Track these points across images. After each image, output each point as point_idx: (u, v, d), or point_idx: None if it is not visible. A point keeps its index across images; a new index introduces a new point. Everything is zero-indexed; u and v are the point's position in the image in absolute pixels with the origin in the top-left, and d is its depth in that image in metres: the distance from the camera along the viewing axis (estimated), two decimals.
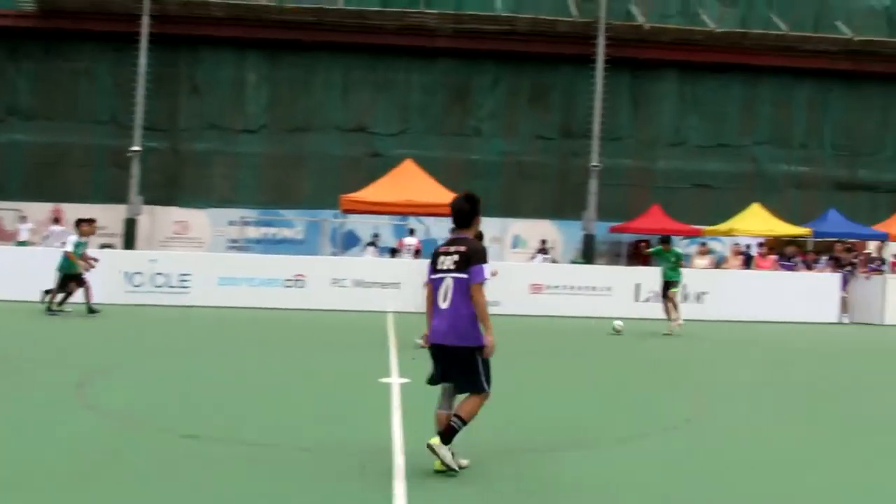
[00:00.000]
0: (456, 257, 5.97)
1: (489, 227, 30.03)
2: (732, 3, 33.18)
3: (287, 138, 30.78)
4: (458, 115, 32.16)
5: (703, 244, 23.18)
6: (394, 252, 25.38)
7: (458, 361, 6.00)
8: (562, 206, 31.92)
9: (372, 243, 26.95)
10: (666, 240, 17.16)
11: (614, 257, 31.32)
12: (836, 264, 21.01)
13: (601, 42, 29.30)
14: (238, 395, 8.92)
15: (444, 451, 5.87)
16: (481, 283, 5.92)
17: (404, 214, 24.86)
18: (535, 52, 31.83)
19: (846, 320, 19.87)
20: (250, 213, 29.59)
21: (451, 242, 6.17)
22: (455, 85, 32.07)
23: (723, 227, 28.12)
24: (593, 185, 28.90)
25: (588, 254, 28.82)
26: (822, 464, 6.80)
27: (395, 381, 9.64)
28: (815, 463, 6.83)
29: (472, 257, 5.93)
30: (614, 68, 30.51)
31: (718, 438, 7.53)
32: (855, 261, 21.52)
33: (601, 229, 30.04)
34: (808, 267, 21.78)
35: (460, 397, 6.19)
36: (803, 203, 32.51)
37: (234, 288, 18.15)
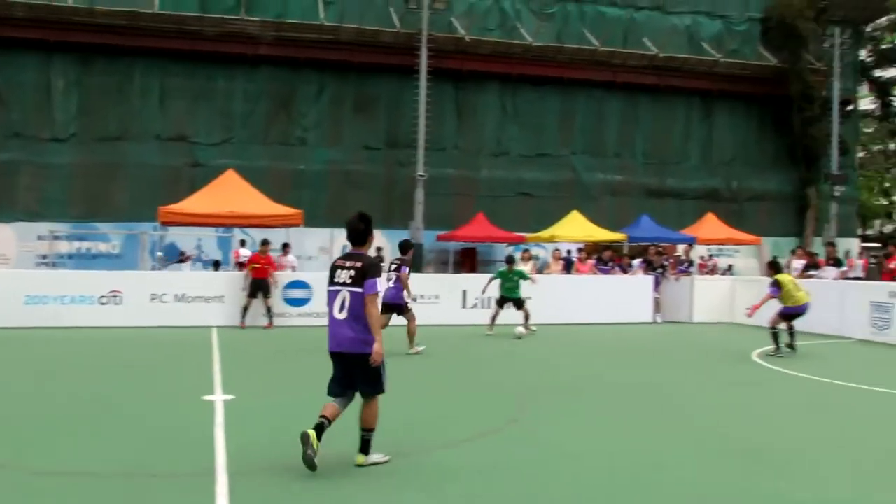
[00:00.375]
0: (352, 272, 6.53)
1: (317, 237, 29.83)
2: (548, 19, 34.40)
3: (100, 147, 29.18)
4: (282, 124, 31.65)
5: (526, 250, 23.79)
6: (217, 265, 24.63)
7: (362, 367, 6.46)
8: (389, 216, 31.96)
9: (181, 260, 26.00)
10: (510, 260, 17.62)
11: (442, 265, 31.71)
12: (649, 267, 22.07)
13: (424, 53, 29.65)
14: (48, 421, 8.30)
15: (366, 458, 6.54)
16: (374, 294, 6.48)
17: (228, 226, 24.14)
18: (360, 62, 31.82)
19: (659, 319, 20.90)
20: (61, 227, 27.83)
21: (347, 257, 6.74)
22: (279, 93, 31.54)
23: (545, 233, 29.00)
24: (419, 194, 29.14)
25: (416, 262, 28.99)
26: (634, 455, 7.06)
27: (219, 398, 9.29)
28: (629, 454, 7.07)
29: (368, 272, 6.51)
30: (438, 79, 30.94)
31: (540, 436, 7.69)
32: (666, 263, 22.66)
33: (429, 238, 30.33)
34: (624, 270, 22.76)
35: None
36: (618, 210, 34.10)
37: (43, 307, 16.97)
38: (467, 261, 31.96)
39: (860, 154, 53.81)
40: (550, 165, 34.40)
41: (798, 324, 14.68)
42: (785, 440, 7.81)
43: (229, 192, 21.81)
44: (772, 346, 14.40)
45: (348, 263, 6.66)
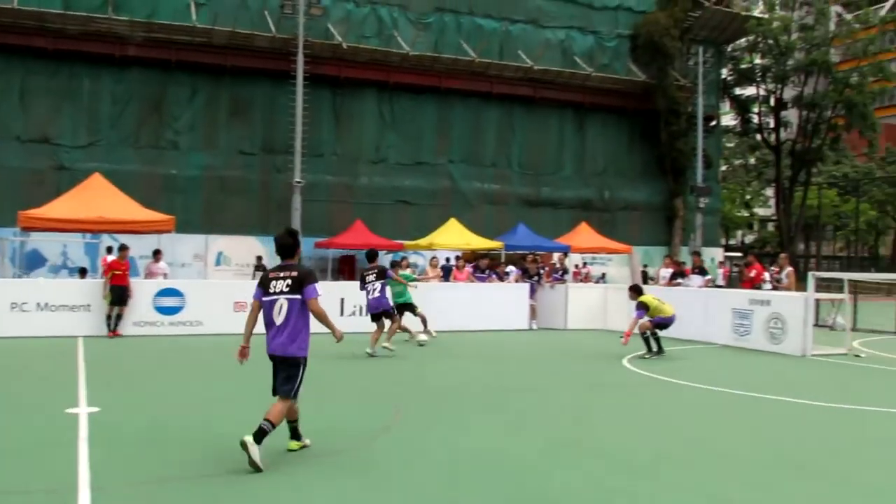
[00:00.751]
0: (289, 281, 6.96)
1: (191, 243, 29.04)
2: (426, 28, 34.63)
3: None
4: (153, 127, 30.70)
5: (405, 258, 23.76)
6: (83, 272, 23.56)
7: (288, 368, 6.98)
8: (266, 222, 31.44)
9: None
10: (392, 265, 17.54)
11: (320, 273, 31.35)
12: (525, 275, 22.38)
13: (300, 59, 29.29)
14: None
15: (255, 450, 6.47)
16: (316, 298, 7.00)
17: (95, 232, 23.17)
18: (234, 66, 31.24)
19: (535, 326, 21.21)
20: None
21: (280, 269, 7.12)
22: (149, 95, 30.57)
23: (423, 241, 29.09)
24: (297, 200, 28.76)
25: None
26: (502, 457, 7.11)
27: (84, 410, 8.85)
28: (497, 456, 7.12)
29: (304, 280, 6.99)
30: (315, 85, 30.66)
31: (413, 442, 7.67)
32: (541, 271, 23.05)
33: (307, 245, 29.91)
34: (500, 278, 23.02)
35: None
36: (495, 218, 34.59)
37: None
38: (346, 268, 31.72)
39: (723, 168, 56.50)
40: (428, 174, 34.59)
41: (666, 330, 15.21)
42: (646, 441, 8.03)
43: (96, 197, 20.95)
44: (644, 350, 14.87)
45: (283, 274, 7.05)
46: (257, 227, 31.51)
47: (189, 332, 17.22)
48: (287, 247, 7.26)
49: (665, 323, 15.02)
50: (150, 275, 19.90)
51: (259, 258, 28.44)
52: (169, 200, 28.60)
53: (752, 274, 20.52)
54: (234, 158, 31.70)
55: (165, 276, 19.74)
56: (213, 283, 22.50)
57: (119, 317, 17.26)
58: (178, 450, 7.35)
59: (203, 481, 6.32)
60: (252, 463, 6.45)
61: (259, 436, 6.54)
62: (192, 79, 31.21)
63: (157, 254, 20.47)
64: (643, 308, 14.79)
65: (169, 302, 17.57)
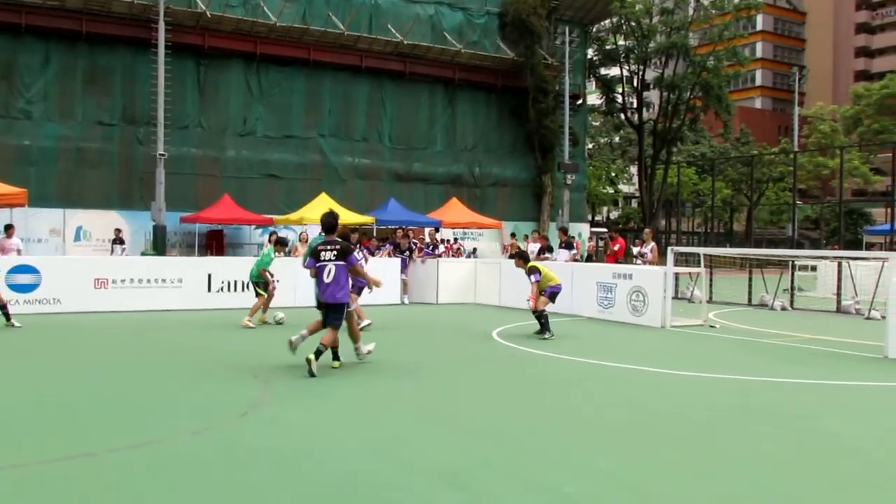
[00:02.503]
0: (335, 252, 10.00)
1: (47, 218, 27.68)
2: None
3: None
4: (2, 95, 28.97)
5: (274, 233, 23.37)
6: None
7: (335, 310, 10.08)
8: (129, 196, 30.33)
9: None
10: (275, 239, 16.80)
11: (188, 248, 30.50)
12: (396, 250, 22.40)
13: (161, 27, 28.18)
14: None
15: (315, 365, 9.66)
16: (357, 263, 10.39)
17: None
18: (90, 33, 29.82)
19: (406, 301, 21.29)
20: None
21: (326, 243, 10.15)
22: None
23: (294, 216, 28.69)
24: (161, 174, 27.77)
25: (159, 245, 27.67)
26: (375, 433, 7.12)
27: None
28: (369, 432, 7.13)
29: (346, 252, 10.05)
30: (178, 55, 29.66)
31: (284, 419, 7.60)
32: (413, 246, 23.11)
33: (172, 219, 29.03)
34: (372, 253, 22.96)
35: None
36: (366, 193, 34.47)
37: None
38: (213, 243, 30.94)
39: (589, 145, 58.05)
40: (298, 147, 34.10)
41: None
42: (514, 412, 8.19)
43: None
44: (539, 329, 14.34)
45: (329, 247, 10.05)
46: (119, 201, 30.35)
47: (46, 311, 16.44)
48: (331, 225, 10.25)
49: (556, 291, 14.89)
50: (1, 250, 18.84)
51: (118, 231, 27.35)
52: (21, 172, 27.18)
53: (616, 248, 21.22)
54: (92, 129, 30.33)
55: (19, 252, 18.73)
56: (71, 259, 21.49)
57: None
58: (41, 431, 7.02)
59: (66, 463, 6.04)
60: (311, 372, 9.58)
61: (317, 354, 9.74)
62: (44, 45, 29.61)
63: (8, 228, 19.40)
64: (537, 272, 14.44)
65: (23, 279, 16.69)
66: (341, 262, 9.94)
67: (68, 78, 30.11)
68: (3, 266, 16.67)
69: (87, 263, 19.09)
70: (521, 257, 15.32)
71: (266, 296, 15.84)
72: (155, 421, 7.49)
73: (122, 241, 26.98)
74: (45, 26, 29.24)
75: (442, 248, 27.55)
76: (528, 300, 14.96)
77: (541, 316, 14.30)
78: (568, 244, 22.01)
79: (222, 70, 32.80)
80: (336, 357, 10.44)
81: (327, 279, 9.94)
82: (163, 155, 27.91)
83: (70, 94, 30.15)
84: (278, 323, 15.74)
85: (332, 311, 10.05)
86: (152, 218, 27.95)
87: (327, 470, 5.96)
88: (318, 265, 10.03)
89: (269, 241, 20.31)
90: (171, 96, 28.90)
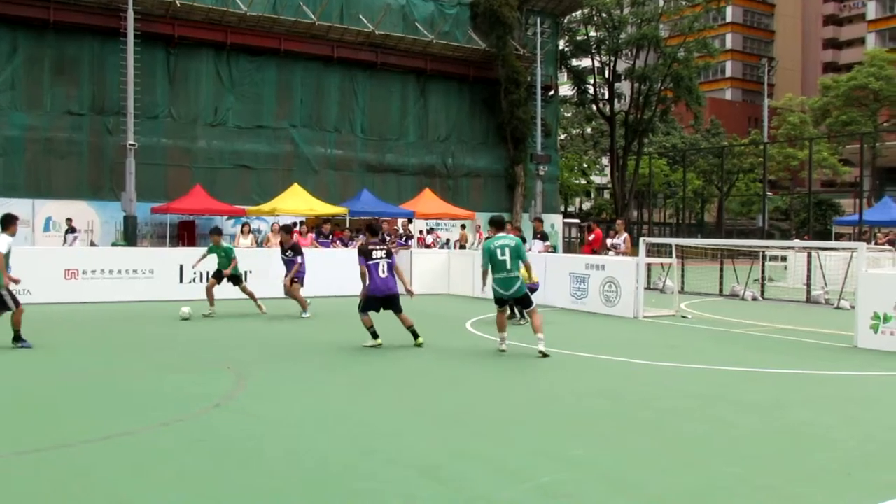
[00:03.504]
0: (385, 251, 11.72)
1: (15, 208, 27.27)
2: None
3: None
4: None
5: (247, 223, 23.26)
6: None
7: (392, 300, 11.68)
8: (98, 187, 30.02)
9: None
10: (214, 231, 16.67)
11: (159, 239, 30.25)
12: None
13: (130, 15, 27.83)
14: None
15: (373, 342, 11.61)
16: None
17: None
18: (57, 21, 29.42)
19: None
20: None
21: (374, 243, 11.78)
22: None
23: (266, 206, 28.54)
24: (131, 164, 27.46)
25: (130, 236, 27.40)
26: (355, 423, 7.13)
27: None
28: (348, 423, 7.13)
29: (391, 251, 11.93)
30: (147, 44, 29.33)
31: (258, 409, 7.58)
32: (386, 237, 23.06)
33: (143, 210, 28.77)
34: (345, 244, 22.92)
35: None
36: (339, 184, 34.37)
37: None
38: (185, 233, 30.70)
39: (561, 136, 58.18)
40: (269, 138, 33.90)
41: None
42: (487, 402, 8.24)
43: None
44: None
45: (379, 246, 11.75)
46: (89, 192, 30.02)
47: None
48: (378, 230, 12.41)
49: (534, 289, 14.94)
50: None
51: (69, 220, 27.05)
52: None
53: (591, 238, 21.30)
54: (60, 119, 29.97)
55: None
56: (40, 250, 21.23)
57: None
58: (9, 424, 6.95)
59: (36, 456, 5.99)
60: (372, 346, 11.50)
61: (415, 335, 11.80)
62: (11, 33, 29.19)
63: None
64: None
65: None
66: (390, 260, 11.67)
67: (36, 67, 29.70)
68: None
69: (57, 254, 18.90)
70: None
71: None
72: (128, 412, 7.45)
73: (74, 230, 26.70)
74: (12, 14, 28.82)
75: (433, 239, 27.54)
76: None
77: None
78: (543, 235, 22.06)
79: (192, 59, 32.50)
80: (416, 336, 11.85)
81: (382, 274, 11.46)
82: (133, 145, 27.61)
83: (38, 83, 29.74)
84: (185, 318, 14.73)
85: (391, 301, 11.66)
86: (123, 208, 27.67)
87: (301, 461, 5.96)
88: (369, 263, 11.47)
89: (242, 231, 20.24)
90: (140, 86, 28.59)
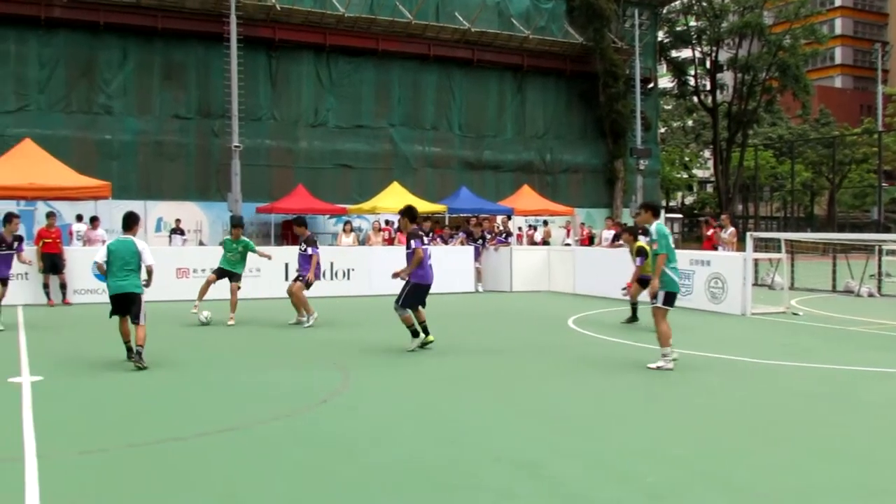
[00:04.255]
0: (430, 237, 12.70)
1: (129, 210, 28.33)
2: None
3: None
4: (84, 91, 29.77)
5: (348, 222, 23.64)
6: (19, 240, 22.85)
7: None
8: (206, 188, 30.97)
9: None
10: (236, 223, 15.34)
11: (264, 238, 31.00)
12: (469, 238, 22.41)
13: (233, 21, 28.58)
14: None
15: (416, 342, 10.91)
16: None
17: (30, 199, 22.53)
18: (165, 29, 30.44)
19: (481, 289, 21.30)
20: None
21: (422, 229, 12.20)
22: (78, 59, 29.59)
23: (366, 205, 28.90)
24: (236, 165, 28.23)
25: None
26: (455, 420, 7.13)
27: (27, 379, 8.64)
28: (448, 419, 7.14)
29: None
30: (249, 48, 30.07)
31: (363, 406, 7.67)
32: (486, 234, 23.07)
33: (248, 210, 29.53)
34: (445, 241, 23.02)
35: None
36: (438, 181, 34.53)
37: None
38: (288, 233, 31.38)
39: (661, 130, 57.12)
40: (369, 137, 34.31)
41: (610, 290, 15.26)
42: (590, 400, 8.14)
43: (28, 163, 20.36)
44: (629, 317, 14.44)
45: (427, 233, 12.18)
46: (197, 193, 30.98)
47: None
48: (415, 214, 11.22)
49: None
50: (88, 242, 19.47)
51: (177, 221, 27.90)
52: (104, 166, 27.95)
53: (710, 233, 20.85)
54: (169, 123, 31.01)
55: (103, 242, 19.27)
56: (153, 250, 21.94)
57: (62, 286, 17.03)
58: (123, 417, 7.22)
59: (148, 449, 6.21)
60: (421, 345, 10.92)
61: (415, 333, 10.96)
62: (122, 42, 30.32)
63: (94, 220, 20.04)
64: (643, 255, 13.53)
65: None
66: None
67: (146, 73, 30.80)
68: (90, 256, 17.17)
69: (169, 254, 19.57)
70: (631, 233, 14.42)
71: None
72: (240, 407, 7.65)
73: (181, 232, 27.49)
74: (122, 23, 29.93)
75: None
76: (624, 289, 14.64)
77: (637, 303, 14.13)
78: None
79: (293, 62, 33.17)
80: (427, 332, 11.12)
81: (430, 261, 11.00)
82: (237, 147, 28.38)
83: (147, 89, 30.84)
84: (206, 323, 14.00)
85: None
86: (229, 209, 28.44)
87: (403, 457, 6.01)
88: (424, 247, 10.84)
89: (344, 230, 20.48)
90: (244, 89, 29.35)
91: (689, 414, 7.52)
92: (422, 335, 11.03)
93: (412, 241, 10.81)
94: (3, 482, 5.34)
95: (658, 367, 9.32)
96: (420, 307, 11.11)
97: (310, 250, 14.11)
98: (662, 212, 24.75)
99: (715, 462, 5.95)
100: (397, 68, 34.96)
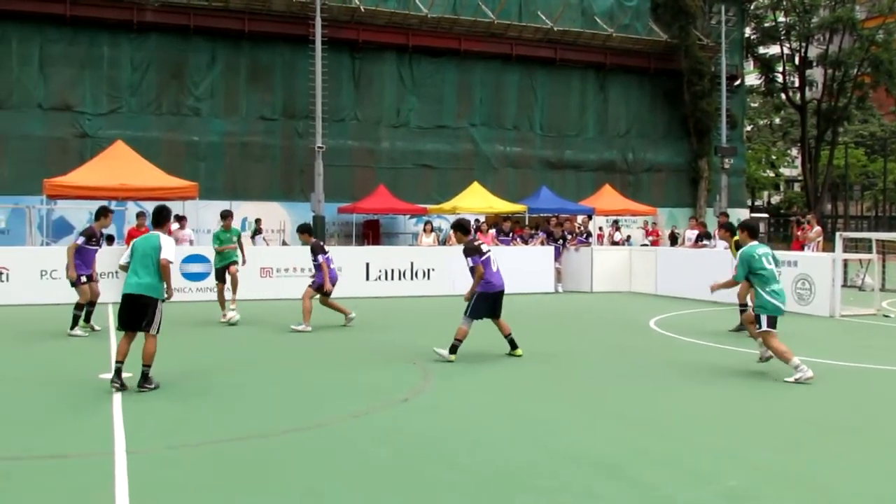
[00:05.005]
0: (490, 247, 11.78)
1: (215, 210, 28.99)
2: None
3: None
4: (173, 93, 30.60)
5: (429, 222, 23.77)
6: (110, 240, 23.71)
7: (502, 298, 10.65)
8: (290, 188, 31.53)
9: None
10: (225, 215, 15.31)
11: (345, 238, 31.42)
12: (549, 238, 22.30)
13: (318, 23, 29.04)
14: None
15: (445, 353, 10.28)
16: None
17: (121, 199, 23.30)
18: (252, 31, 31.09)
19: (560, 289, 21.18)
20: None
21: (478, 241, 11.18)
22: (168, 62, 30.44)
23: (447, 205, 29.03)
24: (319, 165, 28.68)
25: (319, 235, 28.58)
26: (536, 421, 7.12)
27: None
28: (530, 420, 7.14)
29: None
30: (333, 49, 30.46)
31: (444, 406, 7.71)
32: (567, 234, 22.93)
33: (331, 210, 29.96)
34: (525, 241, 22.96)
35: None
36: (518, 181, 34.45)
37: None
38: (370, 233, 31.75)
39: (747, 128, 55.86)
40: (450, 137, 34.42)
41: (693, 291, 14.99)
42: (672, 403, 8.03)
43: (120, 164, 21.06)
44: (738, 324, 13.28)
45: (485, 243, 11.40)
46: (281, 193, 31.55)
47: (216, 299, 17.28)
48: (467, 227, 11.20)
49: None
50: (176, 242, 19.97)
51: (258, 221, 28.39)
52: (192, 167, 28.68)
53: (800, 234, 20.40)
54: (255, 124, 31.66)
55: (191, 242, 19.84)
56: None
57: None
58: (212, 413, 7.42)
59: (231, 445, 6.37)
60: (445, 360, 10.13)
61: (454, 350, 10.26)
62: (211, 44, 31.08)
63: (181, 220, 20.56)
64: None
65: (195, 268, 17.68)
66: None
67: (233, 76, 31.51)
68: (177, 256, 17.66)
69: (254, 253, 19.99)
70: (728, 228, 13.61)
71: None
72: (322, 404, 7.80)
73: (261, 231, 27.95)
74: (211, 27, 30.69)
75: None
76: (712, 286, 14.03)
77: (744, 306, 12.57)
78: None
79: (376, 63, 33.51)
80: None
81: (495, 267, 10.56)
82: (321, 147, 28.82)
83: (234, 91, 31.54)
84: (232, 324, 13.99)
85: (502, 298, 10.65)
86: (312, 209, 28.89)
87: (484, 457, 6.04)
88: (482, 260, 10.42)
89: (425, 230, 20.62)
90: (328, 90, 29.78)
91: (772, 417, 7.37)
92: (510, 349, 10.65)
93: (469, 259, 10.46)
94: (94, 477, 5.54)
95: (797, 380, 8.87)
96: (495, 318, 10.62)
97: (320, 258, 13.62)
98: (693, 220, 23.96)
99: (798, 465, 5.84)
100: (479, 68, 35.00)
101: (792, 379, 8.89)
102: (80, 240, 12.72)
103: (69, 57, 29.04)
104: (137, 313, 8.25)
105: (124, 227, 23.94)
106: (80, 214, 26.80)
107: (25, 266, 16.77)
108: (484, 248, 10.64)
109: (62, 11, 28.45)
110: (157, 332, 8.31)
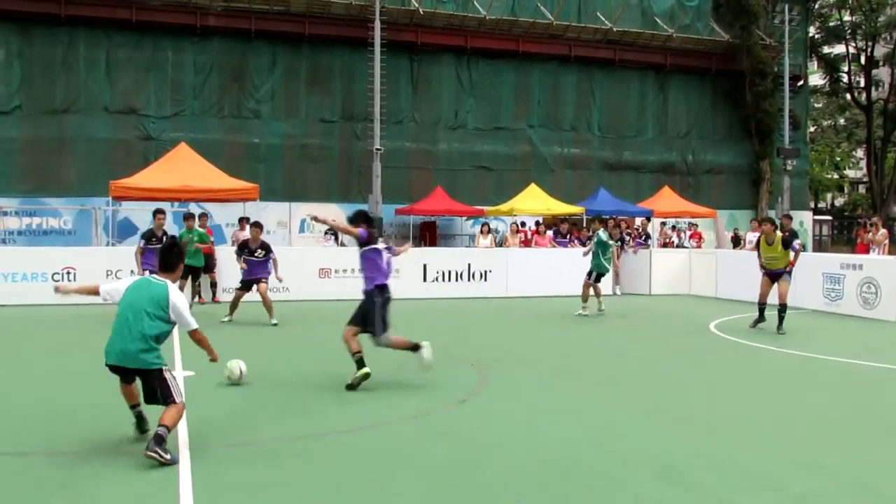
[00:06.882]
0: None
1: (275, 211, 29.49)
2: None
3: (46, 120, 28.22)
4: (235, 96, 31.03)
5: (486, 224, 23.79)
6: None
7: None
8: (347, 189, 31.76)
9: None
10: (187, 217, 15.95)
11: (403, 239, 31.55)
12: (556, 236, 22.15)
13: (377, 25, 29.21)
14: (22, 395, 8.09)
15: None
16: None
17: (183, 200, 23.74)
18: (312, 34, 31.39)
19: (618, 292, 21.03)
20: (9, 203, 26.95)
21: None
22: (230, 65, 30.88)
23: (504, 207, 28.99)
24: (377, 167, 28.86)
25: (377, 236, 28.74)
26: (593, 423, 7.07)
27: (180, 374, 9.10)
28: (588, 423, 7.09)
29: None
30: (392, 52, 30.60)
31: (500, 408, 7.70)
32: (625, 237, 22.76)
33: (388, 211, 30.13)
34: (582, 243, 22.83)
35: None
36: (576, 183, 34.24)
37: None
38: (427, 234, 31.85)
39: (811, 129, 54.72)
40: (507, 139, 34.35)
41: (754, 294, 14.70)
42: (733, 406, 7.91)
43: (183, 166, 21.45)
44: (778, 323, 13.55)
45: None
46: (339, 195, 31.80)
47: (276, 299, 17.44)
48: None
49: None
50: (236, 242, 20.33)
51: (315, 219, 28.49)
52: (252, 169, 29.05)
53: (868, 236, 20.02)
54: (314, 126, 31.96)
55: None
56: (298, 250, 22.78)
57: (213, 284, 17.84)
58: (266, 413, 7.52)
59: (291, 444, 6.44)
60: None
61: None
62: (271, 48, 31.46)
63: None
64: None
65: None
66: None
67: (293, 78, 31.85)
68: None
69: (313, 254, 20.21)
70: (772, 223, 14.49)
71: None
72: (378, 405, 7.84)
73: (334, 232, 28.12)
74: (272, 30, 31.05)
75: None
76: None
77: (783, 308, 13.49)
78: (792, 232, 20.88)
79: (434, 65, 33.59)
80: None
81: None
82: (379, 149, 29.00)
83: (294, 93, 31.89)
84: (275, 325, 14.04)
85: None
86: (369, 210, 29.05)
87: (541, 458, 6.03)
88: None
89: (482, 231, 20.63)
90: (386, 92, 29.94)
91: (838, 421, 7.23)
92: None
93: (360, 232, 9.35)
94: (159, 474, 5.65)
95: None
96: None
97: (273, 255, 14.40)
98: (767, 223, 23.59)
99: (864, 472, 5.72)
100: (537, 69, 34.87)
101: None
102: (142, 242, 13.47)
103: (134, 61, 29.64)
104: (144, 389, 6.28)
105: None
106: (144, 215, 27.25)
107: (91, 266, 17.19)
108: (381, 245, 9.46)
109: (128, 16, 29.03)
110: (182, 397, 6.17)
